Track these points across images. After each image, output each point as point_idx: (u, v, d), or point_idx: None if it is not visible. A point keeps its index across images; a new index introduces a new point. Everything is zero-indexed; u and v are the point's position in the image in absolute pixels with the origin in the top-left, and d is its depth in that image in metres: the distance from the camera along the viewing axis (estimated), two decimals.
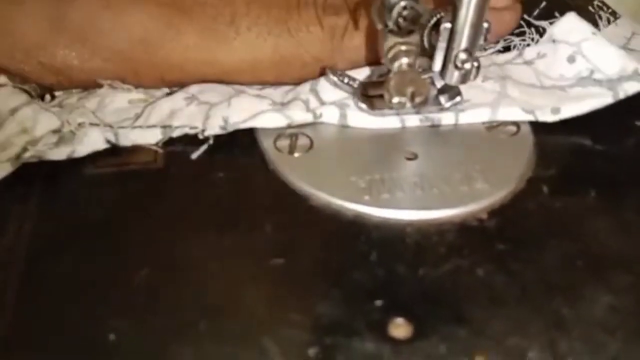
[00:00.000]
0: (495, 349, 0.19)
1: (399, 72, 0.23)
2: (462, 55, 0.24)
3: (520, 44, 0.30)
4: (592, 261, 0.22)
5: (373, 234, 0.22)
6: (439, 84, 0.26)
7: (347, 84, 0.26)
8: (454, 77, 0.24)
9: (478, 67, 0.24)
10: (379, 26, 0.24)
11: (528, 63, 0.29)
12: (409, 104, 0.23)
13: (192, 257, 0.22)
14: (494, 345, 0.19)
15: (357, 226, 0.23)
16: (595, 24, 0.32)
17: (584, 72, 0.28)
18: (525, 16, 0.32)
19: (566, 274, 0.21)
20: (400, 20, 0.23)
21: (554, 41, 0.29)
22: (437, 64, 0.25)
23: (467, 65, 0.24)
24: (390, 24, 0.23)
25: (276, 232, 0.22)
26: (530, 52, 0.29)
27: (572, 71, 0.28)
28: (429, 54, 0.25)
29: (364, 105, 0.26)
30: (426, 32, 0.24)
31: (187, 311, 0.20)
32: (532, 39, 0.30)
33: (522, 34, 0.31)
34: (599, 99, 0.26)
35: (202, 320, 0.20)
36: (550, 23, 0.30)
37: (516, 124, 0.27)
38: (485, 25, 0.23)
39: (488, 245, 0.22)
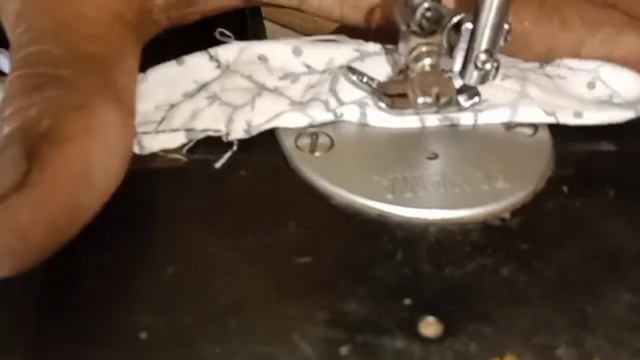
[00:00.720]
0: (524, 347, 0.19)
1: (422, 73, 0.23)
2: (483, 56, 0.24)
3: None
4: (613, 260, 0.22)
5: (397, 233, 0.23)
6: (458, 84, 0.26)
7: (366, 83, 0.27)
8: (473, 77, 0.25)
9: (497, 68, 0.24)
10: (402, 27, 0.24)
11: (548, 76, 0.29)
12: (433, 105, 0.23)
13: (217, 255, 0.22)
14: (523, 344, 0.19)
15: (381, 225, 0.23)
16: None
17: (604, 97, 0.28)
18: None
19: (588, 272, 0.22)
20: (423, 21, 0.23)
21: (571, 69, 0.29)
22: (457, 65, 0.25)
23: (487, 66, 0.24)
24: (413, 25, 0.23)
25: (300, 230, 0.23)
26: (550, 70, 0.29)
27: (591, 95, 0.28)
28: (449, 54, 0.25)
29: (383, 105, 0.26)
30: (446, 32, 0.25)
31: (216, 309, 0.20)
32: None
33: None
34: (620, 112, 0.27)
35: (232, 318, 0.20)
36: None
37: (534, 123, 0.27)
38: (506, 26, 0.24)
39: (511, 244, 0.22)
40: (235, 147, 0.25)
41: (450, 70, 0.25)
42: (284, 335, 0.19)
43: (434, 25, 0.24)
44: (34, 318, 0.20)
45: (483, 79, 0.25)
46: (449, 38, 0.25)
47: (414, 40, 0.24)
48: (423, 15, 0.23)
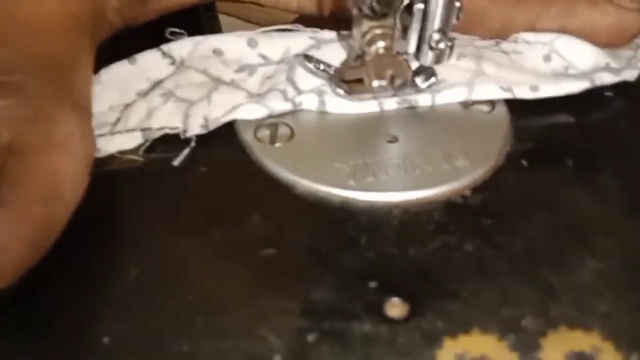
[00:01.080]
0: (490, 321, 0.19)
1: (376, 56, 0.23)
2: (436, 36, 0.24)
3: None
4: (575, 229, 0.23)
5: (361, 218, 0.23)
6: (414, 65, 0.26)
7: (324, 70, 0.26)
8: (428, 57, 0.25)
9: (452, 47, 0.24)
10: (354, 11, 0.24)
11: (504, 52, 0.29)
12: (389, 87, 0.23)
13: (181, 253, 0.21)
14: (489, 317, 0.19)
15: (345, 211, 0.23)
16: None
17: (559, 69, 0.29)
18: None
19: (551, 242, 0.22)
20: (374, 3, 0.23)
21: (528, 42, 0.29)
22: (412, 46, 0.25)
23: (441, 45, 0.24)
24: (365, 8, 0.23)
25: (264, 222, 0.22)
26: (506, 46, 0.29)
27: (547, 68, 0.29)
28: (403, 36, 0.25)
29: (341, 91, 0.26)
30: (399, 14, 0.25)
31: (182, 308, 0.20)
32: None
33: None
34: (576, 82, 0.27)
35: (198, 315, 0.19)
36: None
37: (491, 100, 0.27)
38: (457, 4, 0.24)
39: (474, 221, 0.22)
40: (193, 143, 0.25)
41: (406, 52, 0.25)
42: (252, 329, 0.19)
43: (385, 7, 0.24)
44: (12, 325, 0.19)
45: (438, 59, 0.25)
46: (402, 19, 0.25)
47: (367, 24, 0.24)
48: None
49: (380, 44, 0.24)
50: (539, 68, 0.29)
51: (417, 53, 0.25)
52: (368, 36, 0.24)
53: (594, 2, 0.29)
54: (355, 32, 0.25)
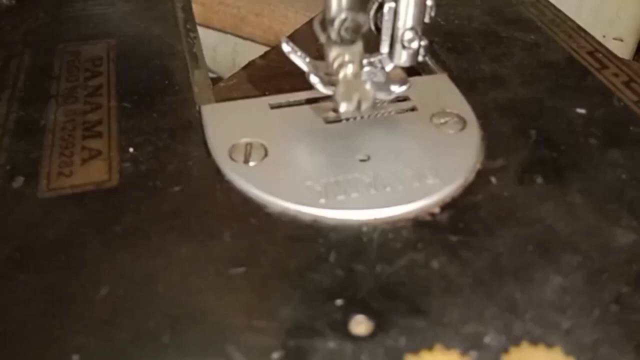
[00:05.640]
0: (453, 337, 0.19)
1: (344, 81, 0.24)
2: (408, 34, 0.24)
3: None
4: (542, 245, 0.23)
5: (331, 236, 0.23)
6: (389, 67, 0.26)
7: (300, 56, 0.26)
8: (402, 57, 0.25)
9: (425, 46, 0.25)
10: (322, 38, 0.24)
11: None
12: (356, 111, 0.23)
13: (152, 271, 0.22)
14: (452, 334, 0.20)
15: (315, 229, 0.23)
16: None
17: None
18: None
19: (517, 259, 0.22)
20: (343, 31, 0.24)
21: None
22: (385, 46, 0.25)
23: (414, 44, 0.24)
24: (334, 36, 0.24)
25: (235, 241, 0.23)
26: None
27: None
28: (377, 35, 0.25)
29: (317, 80, 0.26)
30: (372, 14, 0.25)
31: (149, 325, 0.20)
32: None
33: None
34: None
35: (165, 332, 0.20)
36: None
37: (463, 119, 0.28)
38: (429, 2, 0.24)
39: (441, 238, 0.23)
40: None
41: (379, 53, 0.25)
42: (218, 347, 0.19)
43: (353, 34, 0.24)
44: None
45: (413, 59, 0.25)
46: (375, 20, 0.25)
47: (336, 50, 0.24)
48: (342, 26, 0.24)
49: (349, 69, 0.24)
50: None
51: (391, 52, 0.25)
52: (337, 62, 0.24)
53: None
54: (326, 57, 0.25)
